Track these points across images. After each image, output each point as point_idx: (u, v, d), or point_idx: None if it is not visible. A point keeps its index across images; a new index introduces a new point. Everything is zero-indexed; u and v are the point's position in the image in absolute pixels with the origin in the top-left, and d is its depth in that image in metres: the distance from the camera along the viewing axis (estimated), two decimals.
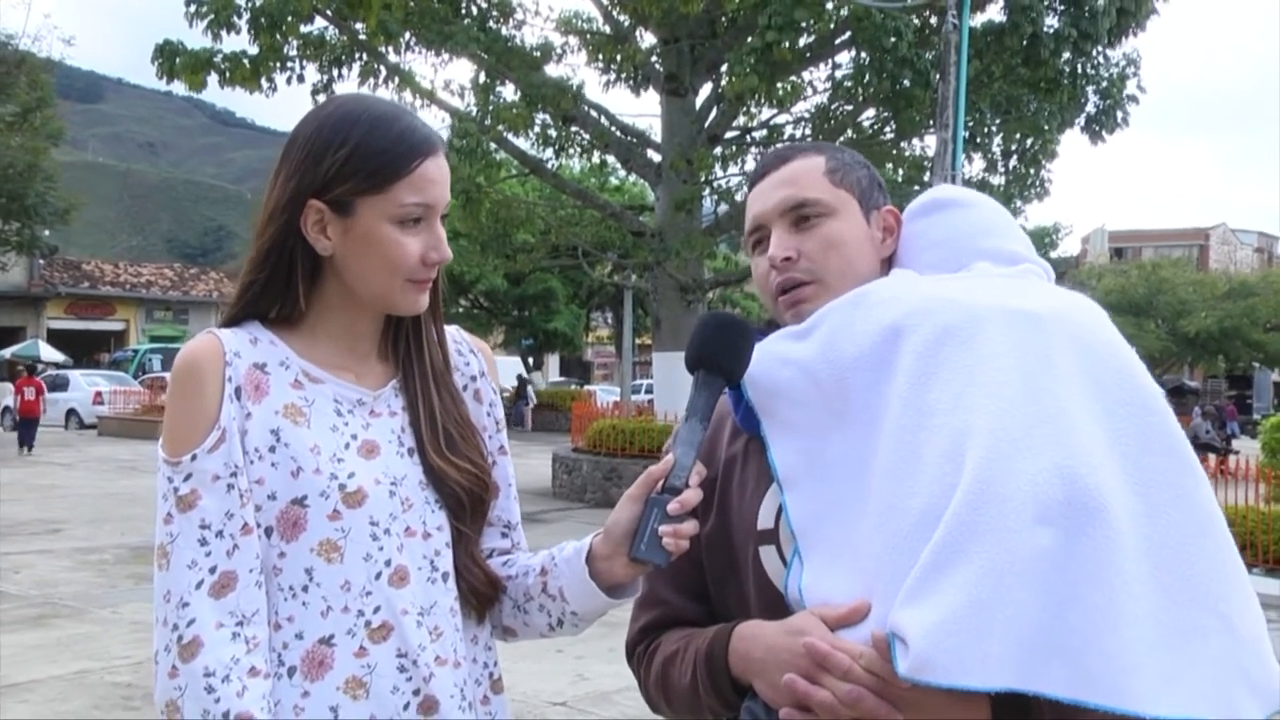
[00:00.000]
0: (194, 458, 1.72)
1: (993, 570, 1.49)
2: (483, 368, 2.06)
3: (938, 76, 18.15)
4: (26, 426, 29.23)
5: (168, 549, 1.71)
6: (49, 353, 46.51)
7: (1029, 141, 21.30)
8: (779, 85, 20.07)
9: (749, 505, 1.86)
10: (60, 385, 39.67)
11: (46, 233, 38.56)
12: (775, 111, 22.00)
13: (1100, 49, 19.92)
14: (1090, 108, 20.57)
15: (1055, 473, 1.53)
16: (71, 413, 38.97)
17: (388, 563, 1.80)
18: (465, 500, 1.91)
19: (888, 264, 1.97)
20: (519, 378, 43.66)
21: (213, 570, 1.69)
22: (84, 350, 50.71)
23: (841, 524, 1.72)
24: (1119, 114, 20.70)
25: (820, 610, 1.67)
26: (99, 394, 39.56)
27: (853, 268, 1.90)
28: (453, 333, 2.04)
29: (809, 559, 1.73)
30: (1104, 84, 20.40)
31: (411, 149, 1.81)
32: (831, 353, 1.79)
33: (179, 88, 19.80)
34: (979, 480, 1.55)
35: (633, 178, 30.86)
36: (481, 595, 1.94)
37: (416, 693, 1.79)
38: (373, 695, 1.77)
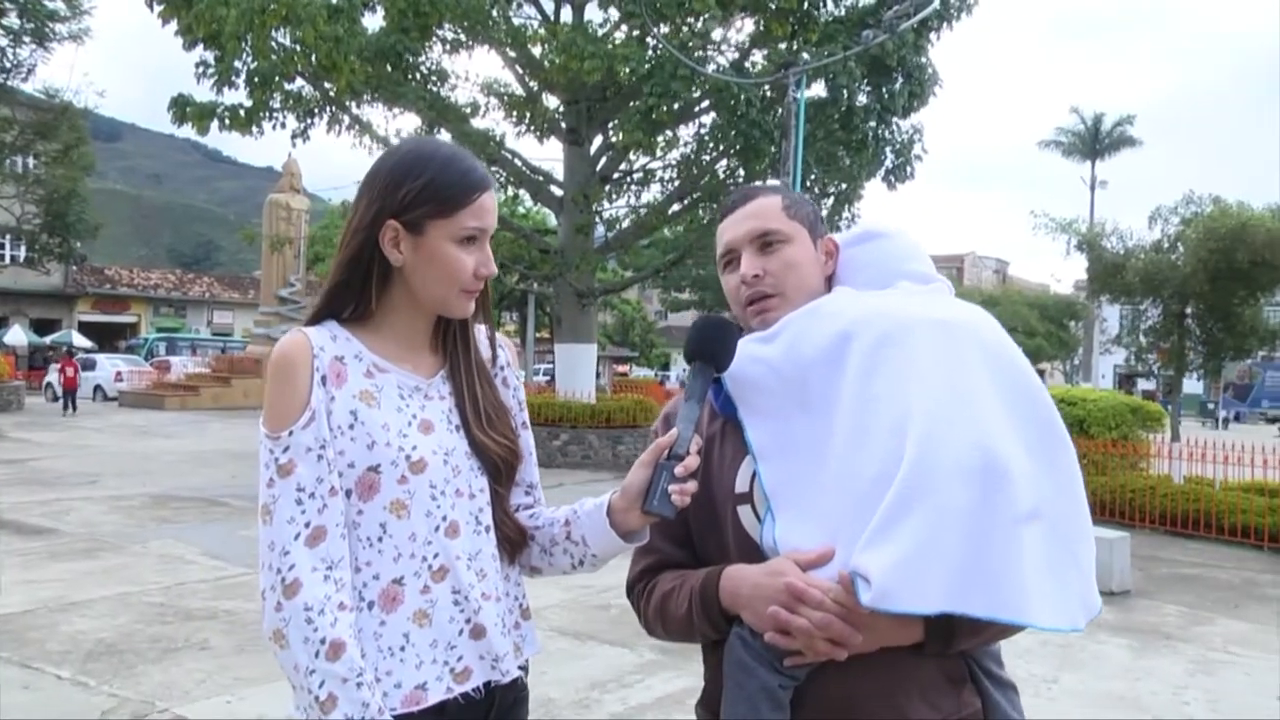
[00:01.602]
0: (291, 433, 1.62)
1: (931, 523, 1.49)
2: (509, 359, 1.97)
3: (779, 135, 18.34)
4: (69, 395, 31.20)
5: (270, 508, 1.61)
6: (80, 340, 45.41)
7: (843, 187, 21.51)
8: (657, 139, 20.06)
9: (727, 473, 1.80)
10: (89, 366, 38.49)
11: (79, 245, 37.50)
12: (651, 158, 21.99)
13: (896, 119, 20.23)
14: (888, 163, 20.82)
15: (974, 446, 1.53)
16: (98, 388, 37.76)
17: (444, 518, 1.71)
18: (501, 466, 1.82)
19: (829, 282, 1.92)
20: None
21: (307, 525, 1.60)
22: (106, 338, 49.35)
23: (805, 487, 1.68)
24: (909, 169, 20.98)
25: (794, 555, 1.63)
26: (119, 373, 38.50)
27: (806, 284, 1.86)
28: (486, 331, 1.94)
29: (780, 516, 1.69)
30: (898, 145, 20.68)
31: (475, 184, 1.72)
32: (794, 353, 1.75)
33: (182, 130, 19.22)
34: (919, 453, 1.53)
35: (539, 207, 30.52)
36: (513, 542, 1.86)
37: (468, 621, 1.72)
38: (435, 624, 1.69)
